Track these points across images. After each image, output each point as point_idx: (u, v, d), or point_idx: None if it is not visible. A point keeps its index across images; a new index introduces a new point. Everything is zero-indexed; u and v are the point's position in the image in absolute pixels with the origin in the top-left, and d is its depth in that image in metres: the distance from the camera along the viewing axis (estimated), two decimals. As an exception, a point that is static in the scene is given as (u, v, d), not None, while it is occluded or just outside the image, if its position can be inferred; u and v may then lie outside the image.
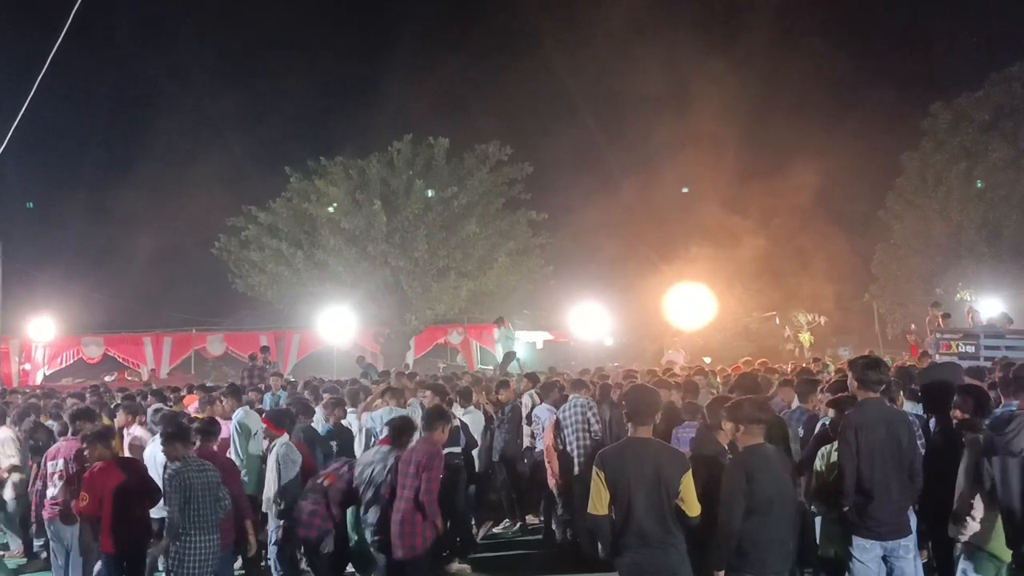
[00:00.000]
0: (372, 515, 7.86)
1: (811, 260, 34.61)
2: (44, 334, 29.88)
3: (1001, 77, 32.67)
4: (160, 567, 8.55)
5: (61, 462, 8.69)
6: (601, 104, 36.75)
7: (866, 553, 6.00)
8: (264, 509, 8.90)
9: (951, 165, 32.46)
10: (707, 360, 24.93)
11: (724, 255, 32.44)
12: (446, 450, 8.61)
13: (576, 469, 9.60)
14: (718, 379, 14.07)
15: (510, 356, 23.26)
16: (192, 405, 12.34)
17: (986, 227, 32.26)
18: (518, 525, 12.11)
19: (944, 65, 34.82)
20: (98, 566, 8.14)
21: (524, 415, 11.98)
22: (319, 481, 8.35)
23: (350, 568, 8.75)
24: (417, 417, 9.05)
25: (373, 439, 10.14)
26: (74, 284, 33.88)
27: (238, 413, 10.62)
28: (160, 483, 7.79)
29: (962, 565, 5.98)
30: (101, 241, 39.38)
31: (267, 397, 14.18)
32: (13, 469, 10.66)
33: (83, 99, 41.19)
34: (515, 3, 38.60)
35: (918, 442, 6.39)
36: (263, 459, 9.48)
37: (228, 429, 10.03)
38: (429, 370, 23.23)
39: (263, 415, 10.17)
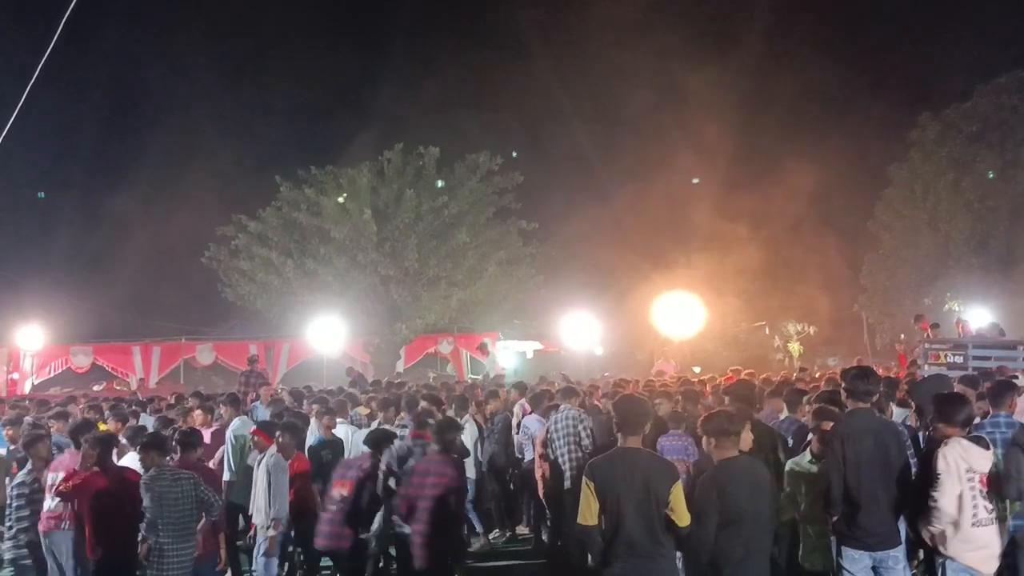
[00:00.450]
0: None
1: (801, 270, 34.76)
2: (32, 343, 29.72)
3: (989, 88, 32.89)
4: None
5: (61, 474, 8.65)
6: (592, 114, 36.88)
7: (855, 564, 6.01)
8: (255, 520, 8.85)
9: (939, 176, 32.64)
10: (696, 370, 24.97)
11: (714, 265, 32.52)
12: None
13: (567, 482, 9.48)
14: (707, 388, 14.08)
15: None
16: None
17: (974, 238, 32.43)
18: (507, 535, 12.10)
19: (932, 76, 35.08)
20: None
21: (514, 425, 11.97)
22: (337, 492, 8.42)
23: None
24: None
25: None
26: (63, 293, 33.74)
27: (235, 423, 10.59)
28: None
29: None
30: (90, 250, 39.23)
31: (256, 407, 14.11)
32: None
33: (72, 107, 41.09)
34: (507, 14, 38.74)
35: (907, 452, 6.41)
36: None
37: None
38: (419, 379, 23.18)
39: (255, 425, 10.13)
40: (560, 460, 9.75)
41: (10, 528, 8.71)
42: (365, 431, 10.10)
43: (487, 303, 31.04)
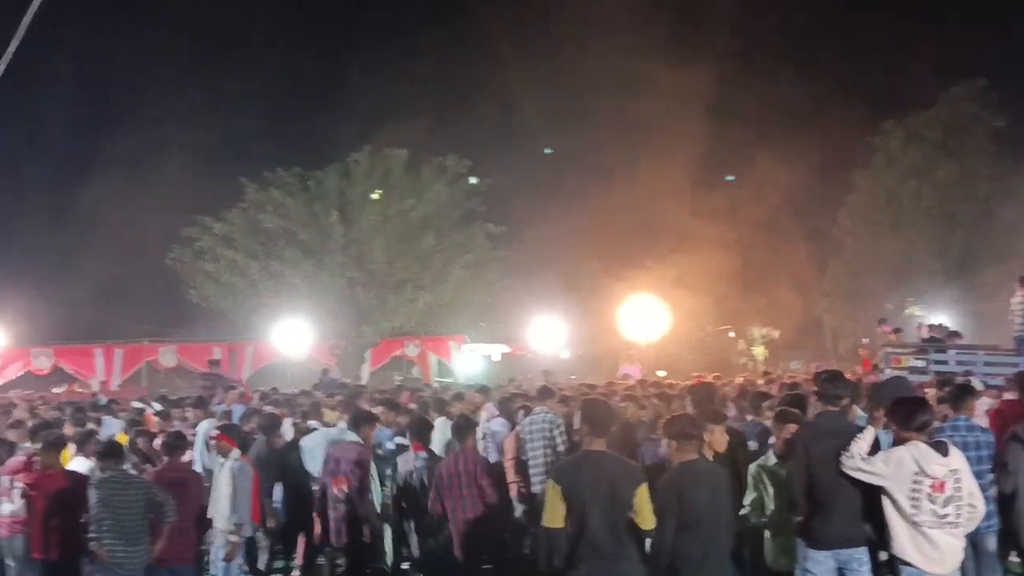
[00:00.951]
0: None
1: (766, 275, 35.03)
2: (-9, 345, 29.26)
3: (950, 97, 33.41)
4: None
5: (7, 478, 8.57)
6: (561, 118, 36.82)
7: (819, 565, 6.08)
8: (216, 524, 8.77)
9: (902, 182, 33.12)
10: (662, 373, 25.11)
11: (680, 269, 32.71)
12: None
13: (537, 487, 9.39)
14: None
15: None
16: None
17: (935, 243, 32.91)
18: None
19: (896, 84, 35.43)
20: None
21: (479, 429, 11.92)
22: (338, 489, 8.51)
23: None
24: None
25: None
26: (23, 294, 33.23)
27: (203, 425, 10.52)
28: None
29: None
30: (52, 251, 38.70)
31: (233, 408, 14.01)
32: None
33: (33, 106, 40.48)
34: (475, 17, 38.68)
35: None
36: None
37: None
38: (385, 383, 23.12)
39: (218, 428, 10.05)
40: (532, 463, 9.68)
41: None
42: (335, 432, 10.05)
43: (454, 306, 30.99)
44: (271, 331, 28.77)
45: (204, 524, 8.72)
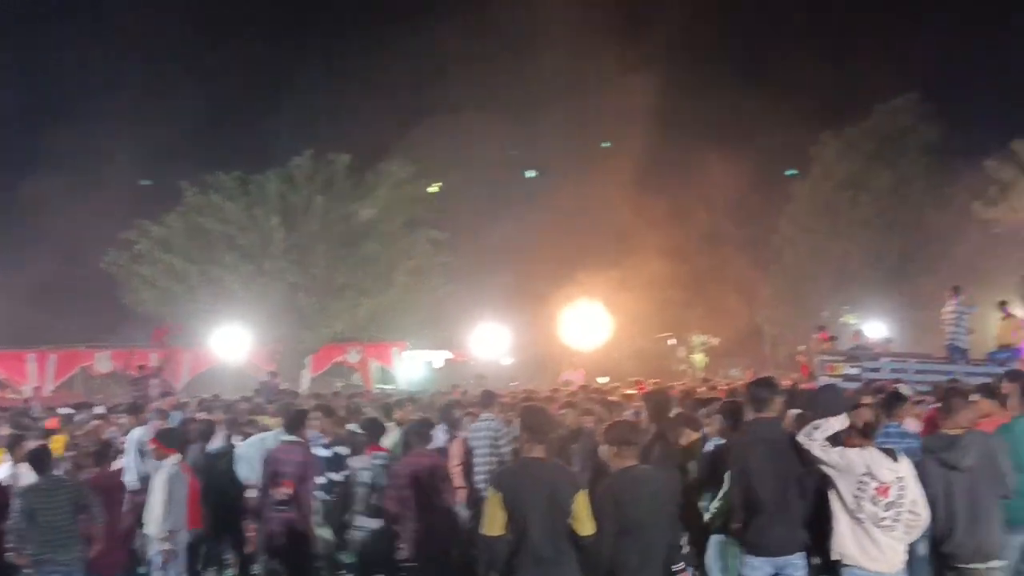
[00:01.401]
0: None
1: (706, 283, 35.41)
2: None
3: (886, 108, 34.15)
4: None
5: None
6: (504, 124, 36.90)
7: (756, 571, 6.14)
8: (148, 530, 8.62)
9: (839, 192, 33.75)
10: (604, 379, 25.27)
11: (622, 277, 32.95)
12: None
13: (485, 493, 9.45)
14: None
15: None
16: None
17: (871, 252, 33.58)
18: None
19: (835, 95, 36.10)
20: None
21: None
22: (280, 493, 8.39)
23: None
24: None
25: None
26: (-47, 298, 32.40)
27: (135, 432, 10.34)
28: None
29: None
30: (-17, 253, 37.78)
31: (171, 414, 13.78)
32: None
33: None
34: (421, 21, 38.56)
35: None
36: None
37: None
38: (324, 389, 22.94)
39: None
40: (478, 471, 9.67)
41: None
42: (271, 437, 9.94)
43: (397, 312, 30.90)
44: (209, 337, 28.38)
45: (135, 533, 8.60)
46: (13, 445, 9.13)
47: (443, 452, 10.65)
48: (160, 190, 31.79)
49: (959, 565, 6.32)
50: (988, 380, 9.21)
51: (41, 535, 7.49)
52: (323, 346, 30.46)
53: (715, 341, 34.06)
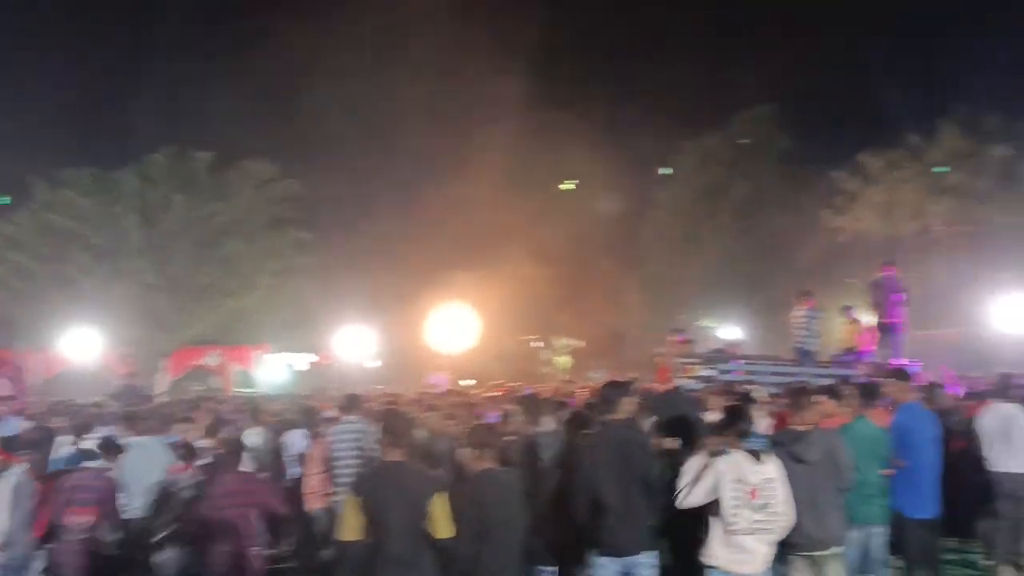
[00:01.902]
0: None
1: (571, 287, 35.91)
2: None
3: (743, 118, 35.44)
4: None
5: None
6: (370, 125, 36.58)
7: (604, 570, 6.26)
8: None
9: (697, 200, 34.83)
10: (469, 382, 25.35)
11: (489, 279, 33.11)
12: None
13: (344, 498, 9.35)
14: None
15: None
16: None
17: (729, 258, 34.76)
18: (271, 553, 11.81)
19: (696, 105, 37.12)
20: None
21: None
22: (76, 520, 7.96)
23: None
24: None
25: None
26: None
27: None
28: None
29: None
30: None
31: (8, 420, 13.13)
32: None
33: None
34: (286, 15, 37.80)
35: (657, 461, 6.75)
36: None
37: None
38: (180, 395, 22.28)
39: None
40: (341, 475, 9.54)
41: None
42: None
43: (260, 314, 30.32)
44: (60, 338, 27.22)
45: None
46: None
47: (302, 458, 10.57)
48: (8, 186, 30.28)
49: (803, 553, 6.61)
50: (832, 382, 9.65)
51: None
52: (180, 349, 29.63)
53: (579, 343, 34.61)
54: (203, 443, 9.89)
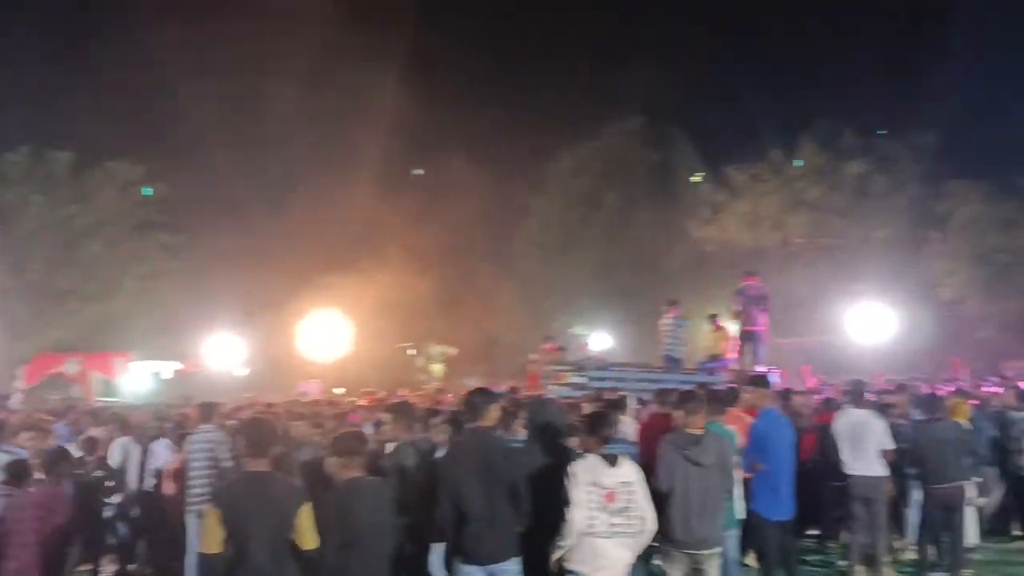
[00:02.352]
0: None
1: (446, 294, 35.89)
2: None
3: (616, 130, 36.15)
4: None
5: None
6: (240, 126, 35.71)
7: (468, 578, 6.26)
8: None
9: (570, 209, 35.35)
10: (341, 391, 25.09)
11: (361, 287, 32.83)
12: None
13: (198, 508, 9.07)
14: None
15: None
16: None
17: (601, 267, 35.38)
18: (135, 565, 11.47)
19: (570, 116, 37.55)
20: None
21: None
22: None
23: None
24: None
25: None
26: None
27: None
28: None
29: None
30: None
31: None
32: None
33: None
34: (150, 17, 36.60)
35: (521, 468, 6.75)
36: None
37: None
38: (36, 404, 21.28)
39: None
40: (196, 485, 9.34)
41: None
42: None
43: (124, 320, 29.34)
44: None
45: None
46: None
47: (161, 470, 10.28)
48: None
49: (690, 551, 6.85)
50: (694, 388, 9.90)
51: None
52: (38, 356, 28.42)
53: (454, 351, 34.60)
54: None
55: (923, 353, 27.43)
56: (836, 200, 32.59)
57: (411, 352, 35.36)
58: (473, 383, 29.09)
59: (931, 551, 9.70)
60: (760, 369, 15.97)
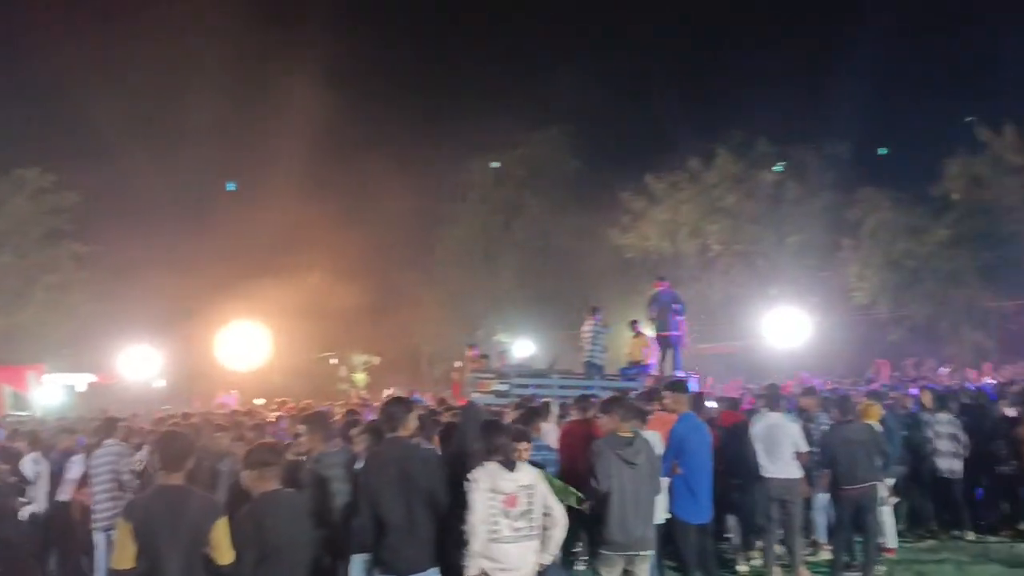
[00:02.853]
0: None
1: (368, 303, 35.65)
2: None
3: (538, 138, 36.35)
4: None
5: None
6: (154, 133, 34.95)
7: (386, 589, 6.23)
8: None
9: (492, 217, 35.43)
10: (260, 401, 24.73)
11: (281, 297, 32.40)
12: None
13: (104, 523, 8.96)
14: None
15: None
16: None
17: (526, 274, 35.52)
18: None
19: (492, 123, 37.59)
20: None
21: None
22: None
23: None
24: None
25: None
26: None
27: None
28: None
29: None
30: None
31: None
32: None
33: None
34: (62, 23, 35.63)
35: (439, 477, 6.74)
36: None
37: None
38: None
39: None
40: (100, 502, 9.20)
41: None
42: None
43: (34, 332, 28.57)
44: None
45: None
46: None
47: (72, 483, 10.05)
48: None
49: (626, 552, 7.03)
50: (616, 394, 10.00)
51: None
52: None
53: (376, 360, 34.41)
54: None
55: (837, 356, 28.10)
56: (751, 207, 33.12)
57: (333, 361, 35.07)
58: (395, 393, 29.06)
59: (844, 552, 9.91)
60: (679, 374, 16.21)
